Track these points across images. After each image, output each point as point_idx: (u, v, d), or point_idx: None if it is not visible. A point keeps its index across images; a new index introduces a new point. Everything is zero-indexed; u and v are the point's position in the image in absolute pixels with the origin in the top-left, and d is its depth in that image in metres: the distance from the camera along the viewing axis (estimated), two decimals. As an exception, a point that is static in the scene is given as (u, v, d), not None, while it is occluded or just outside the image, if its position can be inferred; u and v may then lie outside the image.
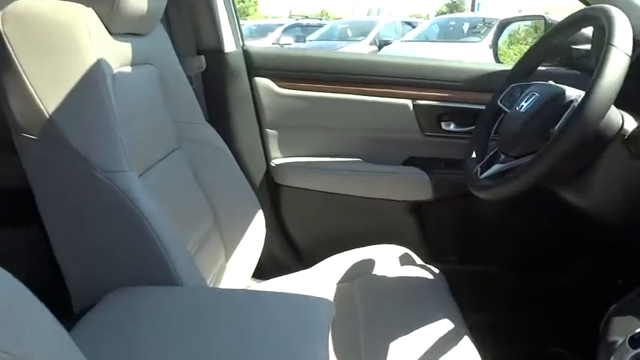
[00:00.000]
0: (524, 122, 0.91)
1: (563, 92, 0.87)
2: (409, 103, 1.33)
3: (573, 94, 0.86)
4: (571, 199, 0.92)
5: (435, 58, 1.39)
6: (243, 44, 1.35)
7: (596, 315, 1.37)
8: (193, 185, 1.10)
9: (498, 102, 1.08)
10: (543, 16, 1.38)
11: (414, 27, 10.04)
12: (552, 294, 1.39)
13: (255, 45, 1.46)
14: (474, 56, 7.20)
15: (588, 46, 1.35)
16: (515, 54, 1.56)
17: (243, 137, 1.33)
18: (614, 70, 0.75)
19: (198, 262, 0.98)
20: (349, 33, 10.47)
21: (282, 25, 11.63)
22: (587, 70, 1.32)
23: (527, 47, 1.11)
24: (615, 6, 1.15)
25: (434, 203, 1.34)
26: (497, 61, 1.56)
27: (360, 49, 9.11)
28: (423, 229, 1.39)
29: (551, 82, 0.96)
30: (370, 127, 1.36)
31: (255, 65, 1.32)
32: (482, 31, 8.47)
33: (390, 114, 1.34)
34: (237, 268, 1.19)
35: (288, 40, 10.32)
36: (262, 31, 11.02)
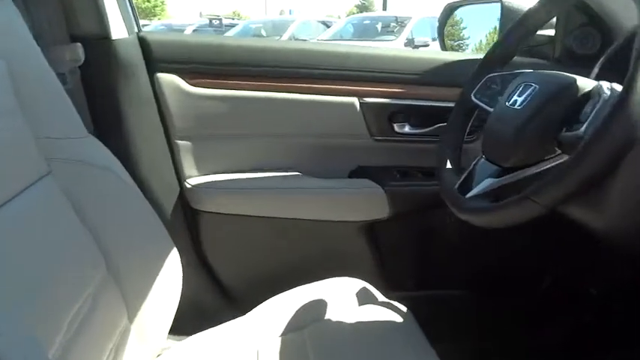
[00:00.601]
0: (522, 123, 0.69)
1: (573, 82, 0.67)
2: (355, 101, 1.09)
3: (589, 84, 0.66)
4: (581, 216, 0.72)
5: (384, 47, 1.17)
6: (139, 29, 1.03)
7: (573, 330, 1.23)
8: (73, 224, 0.78)
9: (472, 97, 0.87)
10: (500, 0, 1.20)
11: (328, 26, 9.94)
12: (525, 313, 1.23)
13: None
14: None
15: (549, 32, 1.20)
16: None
17: (144, 152, 1.02)
18: None
19: (88, 334, 0.68)
20: (263, 33, 10.19)
21: (193, 24, 11.08)
22: (550, 59, 1.16)
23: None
24: None
25: (390, 221, 1.11)
26: (444, 50, 1.38)
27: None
28: (378, 253, 1.15)
29: (551, 71, 0.75)
30: (309, 133, 1.11)
31: (156, 57, 1.01)
32: (395, 30, 8.56)
33: (332, 115, 1.09)
34: (146, 328, 0.88)
35: (199, 40, 9.86)
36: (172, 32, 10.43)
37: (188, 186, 1.07)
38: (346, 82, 1.08)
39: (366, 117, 1.09)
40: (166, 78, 1.02)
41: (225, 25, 11.73)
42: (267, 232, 1.10)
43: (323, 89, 1.07)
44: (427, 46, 7.79)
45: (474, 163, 0.79)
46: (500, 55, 0.87)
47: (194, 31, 10.58)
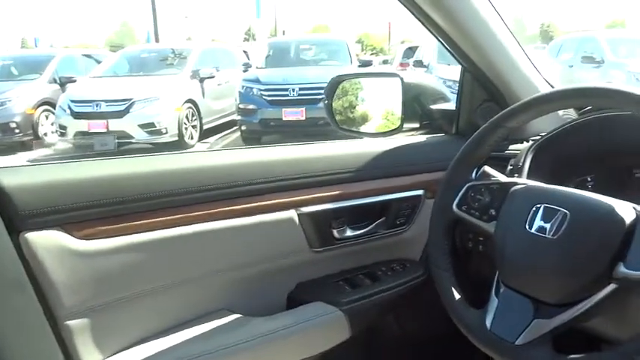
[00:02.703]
0: (568, 258, 0.63)
1: (612, 209, 0.63)
2: (293, 213, 0.90)
3: (629, 211, 0.62)
4: None
5: (314, 144, 1.00)
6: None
7: None
8: None
9: (454, 208, 0.78)
10: (398, 75, 1.15)
11: (98, 61, 8.98)
12: None
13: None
14: (177, 88, 6.91)
15: (447, 106, 1.21)
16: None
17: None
18: None
19: None
20: (15, 71, 8.62)
21: None
22: (448, 132, 1.16)
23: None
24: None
25: (348, 343, 0.95)
26: (337, 126, 1.27)
27: (36, 89, 7.66)
28: None
29: (564, 189, 0.71)
30: (240, 264, 0.88)
31: (22, 210, 0.66)
32: (175, 63, 8.22)
33: (268, 235, 0.89)
34: None
35: None
36: None
37: (92, 381, 0.73)
38: (282, 195, 0.88)
39: (306, 229, 0.92)
40: (40, 237, 0.67)
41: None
42: None
43: (254, 208, 0.86)
44: (213, 77, 7.68)
45: (492, 292, 0.71)
46: (477, 158, 0.80)
47: None
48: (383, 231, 1.02)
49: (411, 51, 10.78)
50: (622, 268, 0.59)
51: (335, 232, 0.96)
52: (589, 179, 0.91)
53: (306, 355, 0.90)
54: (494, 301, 0.69)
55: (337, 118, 1.26)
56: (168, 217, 0.79)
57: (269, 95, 6.28)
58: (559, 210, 0.66)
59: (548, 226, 0.65)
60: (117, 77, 7.63)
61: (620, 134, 0.86)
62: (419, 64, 8.21)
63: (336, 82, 1.25)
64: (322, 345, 0.92)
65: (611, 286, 0.62)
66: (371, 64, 8.88)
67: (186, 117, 6.85)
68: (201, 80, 7.48)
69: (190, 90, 7.15)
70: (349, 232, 0.98)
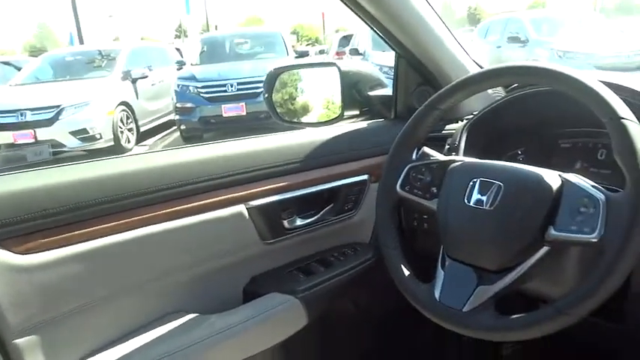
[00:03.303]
0: (504, 225, 0.68)
1: (541, 178, 0.67)
2: (242, 208, 0.90)
3: (555, 178, 0.67)
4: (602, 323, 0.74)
5: (258, 138, 0.99)
6: None
7: None
8: None
9: (398, 189, 0.82)
10: (335, 64, 1.17)
11: (18, 68, 8.45)
12: None
13: None
14: (108, 90, 6.63)
15: (384, 92, 1.24)
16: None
17: None
18: None
19: None
20: None
21: None
22: (389, 118, 1.20)
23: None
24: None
25: (306, 330, 0.97)
26: (280, 118, 1.28)
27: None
28: None
29: (497, 162, 0.75)
30: (191, 263, 0.87)
31: None
32: (103, 64, 7.87)
33: (217, 232, 0.88)
34: None
35: None
36: None
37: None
38: (229, 190, 0.88)
39: (256, 222, 0.92)
40: None
41: None
42: None
43: (201, 206, 0.85)
44: (146, 77, 7.43)
45: (439, 266, 0.74)
46: (415, 140, 0.83)
47: None
48: (332, 217, 1.04)
49: (346, 40, 10.89)
50: (552, 231, 0.64)
51: (285, 223, 0.97)
52: (519, 152, 0.97)
53: (267, 345, 0.91)
54: (440, 274, 0.73)
55: (279, 110, 1.27)
56: (111, 224, 0.77)
57: (207, 92, 6.15)
58: (493, 183, 0.70)
59: (484, 198, 0.70)
60: (41, 83, 7.21)
61: (545, 108, 0.92)
62: (355, 52, 8.32)
63: (274, 75, 1.26)
64: (281, 334, 0.93)
65: (544, 249, 0.67)
66: (307, 55, 8.89)
67: (121, 120, 6.59)
68: (134, 81, 7.22)
69: (122, 92, 6.88)
70: (299, 222, 1.00)
